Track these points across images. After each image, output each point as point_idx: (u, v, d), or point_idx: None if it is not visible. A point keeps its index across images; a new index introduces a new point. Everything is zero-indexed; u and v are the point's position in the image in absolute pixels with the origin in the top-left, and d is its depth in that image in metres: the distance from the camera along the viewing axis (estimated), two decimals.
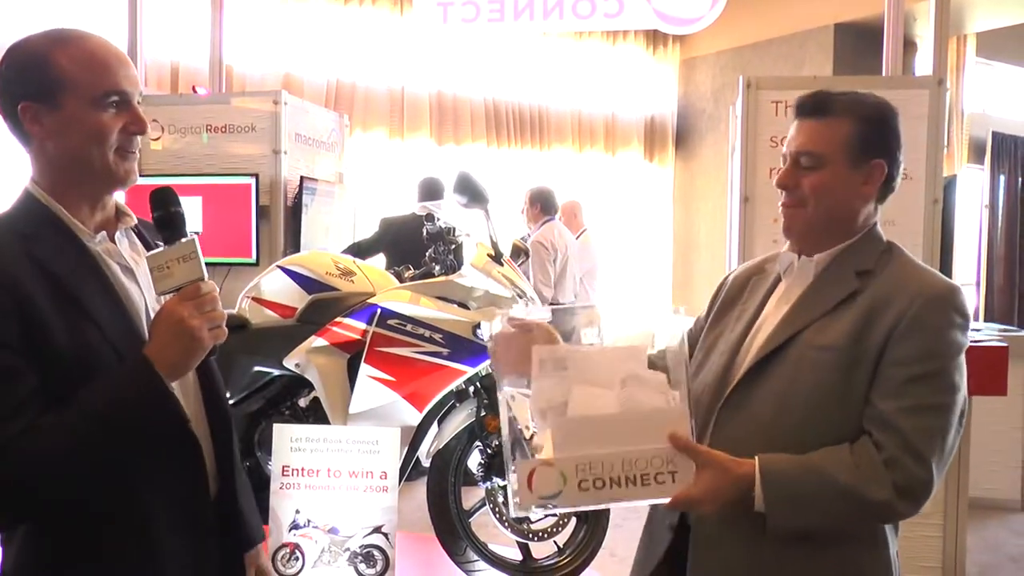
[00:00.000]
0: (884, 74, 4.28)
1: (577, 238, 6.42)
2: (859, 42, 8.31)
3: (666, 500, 1.47)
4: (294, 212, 4.61)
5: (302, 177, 4.71)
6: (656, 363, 1.57)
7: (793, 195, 1.63)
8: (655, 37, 9.94)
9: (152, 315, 1.43)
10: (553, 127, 9.45)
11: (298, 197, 4.65)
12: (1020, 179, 8.89)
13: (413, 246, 3.93)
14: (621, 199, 9.62)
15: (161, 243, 1.40)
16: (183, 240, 1.37)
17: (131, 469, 1.34)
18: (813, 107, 1.63)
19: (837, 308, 1.58)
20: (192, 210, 4.32)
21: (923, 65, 8.13)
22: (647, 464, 1.46)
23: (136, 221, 1.52)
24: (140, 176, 1.49)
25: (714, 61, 9.82)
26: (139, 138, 1.44)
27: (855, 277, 1.60)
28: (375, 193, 7.65)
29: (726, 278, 1.86)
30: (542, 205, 6.17)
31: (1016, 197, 8.85)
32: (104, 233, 1.44)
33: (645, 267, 9.92)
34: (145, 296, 1.46)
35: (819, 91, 1.65)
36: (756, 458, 1.50)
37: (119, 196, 1.54)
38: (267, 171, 4.63)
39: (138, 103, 1.43)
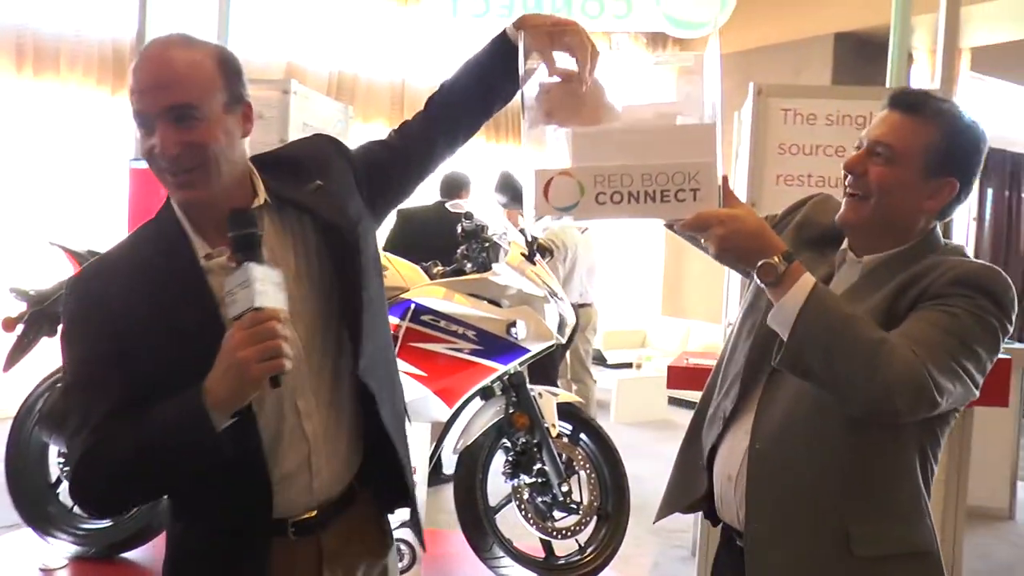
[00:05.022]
0: (888, 84, 4.33)
1: (582, 234, 6.43)
2: (858, 52, 8.38)
3: (686, 217, 1.40)
4: None
5: None
6: None
7: (858, 183, 1.59)
8: (655, 40, 9.98)
9: None
10: None
11: None
12: (1007, 193, 9.02)
13: (433, 239, 3.69)
14: None
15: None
16: (242, 266, 1.28)
17: (188, 480, 1.37)
18: (908, 103, 1.58)
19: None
20: None
21: (918, 77, 8.20)
22: (668, 180, 1.38)
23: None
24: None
25: None
26: (193, 154, 1.32)
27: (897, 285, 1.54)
28: None
29: (805, 204, 1.78)
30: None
31: (1003, 210, 8.98)
32: (222, 248, 1.38)
33: (636, 268, 9.98)
34: None
35: (920, 90, 1.61)
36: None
37: None
38: None
39: (178, 119, 1.31)
